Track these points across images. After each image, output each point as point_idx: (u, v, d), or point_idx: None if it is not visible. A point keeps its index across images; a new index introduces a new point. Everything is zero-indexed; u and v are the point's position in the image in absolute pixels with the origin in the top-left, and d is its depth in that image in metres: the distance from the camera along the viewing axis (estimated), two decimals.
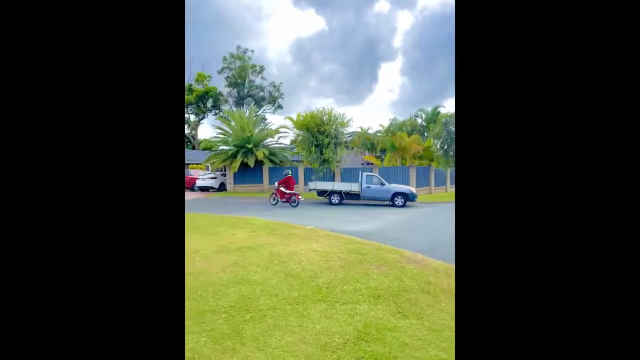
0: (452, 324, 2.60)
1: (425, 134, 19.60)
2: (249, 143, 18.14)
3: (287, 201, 10.67)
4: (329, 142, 15.34)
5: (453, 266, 4.11)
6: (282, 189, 10.55)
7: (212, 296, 3.01)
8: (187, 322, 2.49)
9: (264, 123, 22.33)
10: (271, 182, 18.90)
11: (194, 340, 2.24)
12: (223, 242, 5.29)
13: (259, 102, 35.04)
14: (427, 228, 7.87)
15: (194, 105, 33.01)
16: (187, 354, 2.05)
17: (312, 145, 15.49)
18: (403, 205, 11.85)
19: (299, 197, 10.48)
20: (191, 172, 20.21)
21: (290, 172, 11.67)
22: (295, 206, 10.50)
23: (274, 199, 11.16)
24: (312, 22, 64.86)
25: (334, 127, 15.51)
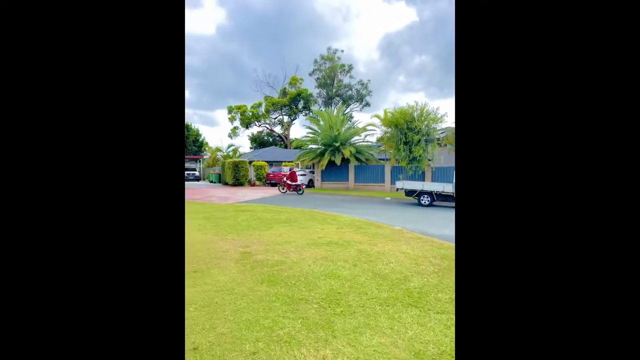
0: None
1: None
2: (336, 141, 18.57)
3: (294, 190, 12.86)
4: (419, 139, 14.49)
5: None
6: (288, 181, 13.15)
7: (305, 286, 3.18)
8: (283, 307, 2.69)
9: (351, 121, 22.51)
10: (356, 180, 18.97)
11: (290, 325, 2.40)
12: (313, 236, 5.55)
13: (346, 101, 35.56)
14: None
15: (287, 107, 35.58)
16: (284, 337, 2.21)
17: (400, 143, 14.88)
18: None
19: (303, 186, 12.72)
20: (283, 169, 21.84)
21: (294, 167, 13.17)
22: (301, 194, 12.94)
23: (283, 188, 13.29)
24: (402, 15, 62.20)
25: (425, 123, 14.57)
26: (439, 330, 2.37)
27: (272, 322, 2.44)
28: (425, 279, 3.46)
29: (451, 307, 2.77)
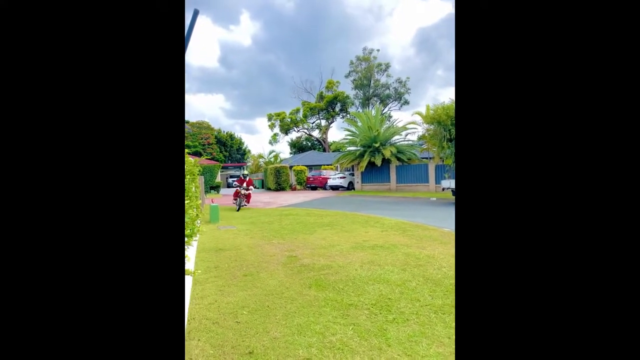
0: None
1: None
2: (375, 142, 18.27)
3: (241, 198, 10.95)
4: None
5: None
6: (242, 190, 10.99)
7: (353, 291, 3.12)
8: (333, 313, 2.65)
9: (390, 121, 22.00)
10: (399, 181, 18.43)
11: (342, 331, 2.35)
12: (357, 240, 5.47)
13: (384, 100, 34.88)
14: None
15: (324, 111, 35.88)
16: (336, 343, 2.17)
17: (444, 140, 14.18)
18: None
19: (250, 196, 11.27)
20: (323, 173, 21.99)
21: (245, 176, 11.86)
22: (241, 207, 10.87)
23: (235, 199, 10.98)
24: (437, 9, 59.67)
25: None
26: None
27: (323, 327, 2.42)
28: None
29: None
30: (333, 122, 37.17)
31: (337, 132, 75.61)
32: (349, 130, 21.53)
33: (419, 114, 15.83)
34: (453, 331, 2.31)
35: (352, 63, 36.36)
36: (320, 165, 25.77)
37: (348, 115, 32.06)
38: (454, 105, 13.89)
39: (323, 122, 37.40)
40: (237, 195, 10.77)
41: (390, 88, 35.43)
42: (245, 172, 11.20)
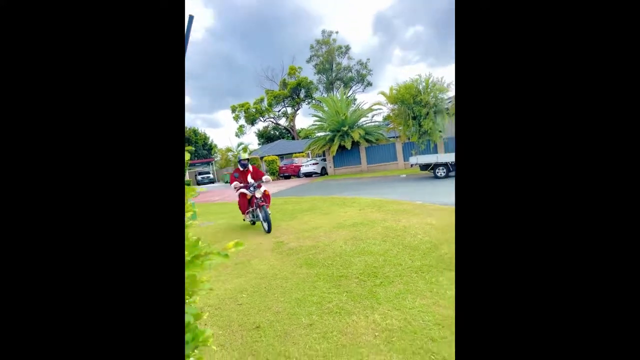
0: None
1: None
2: (344, 126, 18.55)
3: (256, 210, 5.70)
4: (428, 112, 14.34)
5: None
6: (246, 191, 5.74)
7: (341, 265, 3.38)
8: (327, 285, 2.89)
9: (355, 103, 22.36)
10: (369, 162, 18.99)
11: (337, 298, 2.60)
12: (338, 220, 5.74)
13: (347, 84, 35.13)
14: None
15: (288, 98, 35.49)
16: (333, 309, 2.42)
17: (409, 118, 14.78)
18: None
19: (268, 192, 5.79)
20: (295, 161, 22.03)
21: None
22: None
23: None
24: None
25: (431, 94, 14.38)
26: None
27: (320, 298, 2.66)
28: (454, 245, 3.60)
29: None
30: (299, 108, 36.97)
31: (304, 119, 75.29)
32: (316, 116, 21.61)
33: (383, 94, 16.26)
34: (432, 286, 2.65)
35: (312, 47, 36.04)
36: (292, 154, 25.74)
37: (313, 101, 32.05)
38: (414, 84, 14.43)
39: (289, 110, 37.08)
40: (247, 202, 5.72)
41: (353, 70, 35.71)
42: (244, 154, 6.14)
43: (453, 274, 2.84)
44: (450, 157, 11.67)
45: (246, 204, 5.76)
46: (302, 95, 35.35)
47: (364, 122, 19.87)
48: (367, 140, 18.51)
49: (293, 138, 36.73)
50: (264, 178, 5.76)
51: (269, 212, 5.42)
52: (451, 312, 2.22)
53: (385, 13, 53.88)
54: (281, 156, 25.28)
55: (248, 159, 5.96)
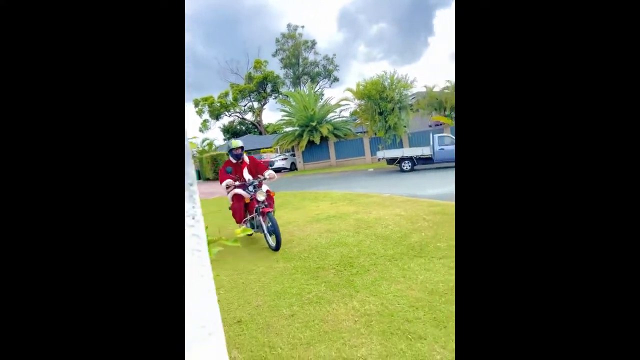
0: None
1: None
2: (312, 121, 18.60)
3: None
4: (393, 108, 14.84)
5: None
6: (242, 192, 4.46)
7: (318, 257, 3.46)
8: (305, 277, 2.95)
9: (322, 99, 22.48)
10: (338, 157, 19.26)
11: (316, 289, 2.68)
12: (311, 214, 5.81)
13: (314, 79, 35.15)
14: None
15: (255, 93, 34.75)
16: (313, 299, 2.49)
17: (375, 114, 15.20)
18: None
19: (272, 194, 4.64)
20: (263, 156, 21.73)
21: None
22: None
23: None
24: None
25: (396, 90, 14.89)
26: (444, 272, 2.73)
27: (299, 289, 2.71)
28: (423, 234, 3.83)
29: (450, 253, 3.14)
30: (266, 103, 36.34)
31: (272, 114, 74.19)
32: (284, 111, 21.43)
33: (350, 90, 16.53)
34: (405, 272, 2.81)
35: (278, 41, 35.48)
36: (260, 149, 25.34)
37: (281, 96, 31.67)
38: (380, 80, 14.83)
39: (255, 105, 36.31)
40: (245, 207, 4.27)
41: (319, 66, 35.77)
42: (236, 142, 4.39)
43: (423, 260, 3.04)
44: (415, 152, 12.22)
45: (243, 210, 4.17)
46: (268, 89, 34.77)
47: (332, 118, 20.07)
48: (336, 136, 18.75)
49: (260, 133, 36.10)
50: (266, 174, 4.24)
51: (264, 217, 3.90)
52: (423, 294, 2.38)
53: (349, 8, 54.39)
54: (248, 151, 24.77)
55: (242, 148, 4.39)
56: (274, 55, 35.90)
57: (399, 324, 2.05)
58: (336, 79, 36.29)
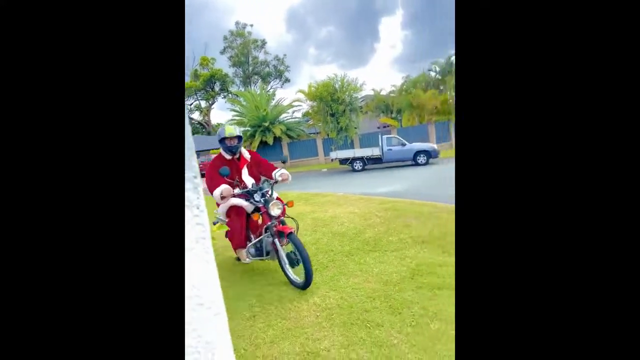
0: None
1: (442, 87, 18.91)
2: (265, 121, 18.33)
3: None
4: (344, 110, 15.32)
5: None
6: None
7: None
8: (265, 278, 2.94)
9: (274, 99, 22.27)
10: (291, 157, 19.26)
11: (277, 289, 2.69)
12: None
13: (265, 79, 34.64)
14: (452, 180, 8.05)
15: (202, 91, 33.12)
16: (274, 298, 2.50)
17: (327, 115, 15.53)
18: (426, 163, 11.96)
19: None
20: (212, 158, 20.80)
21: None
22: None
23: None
24: None
25: (347, 93, 15.40)
26: (397, 263, 2.94)
27: (260, 290, 2.70)
28: (376, 229, 4.05)
29: (400, 245, 3.38)
30: (214, 102, 34.83)
31: (221, 113, 71.26)
32: (235, 111, 20.79)
33: (302, 91, 16.66)
34: (361, 266, 2.96)
35: (226, 38, 34.25)
36: (209, 150, 24.21)
37: (230, 95, 30.63)
38: (332, 82, 15.20)
39: (203, 103, 34.61)
40: (246, 225, 2.89)
41: (270, 66, 35.34)
42: (230, 129, 2.76)
43: (377, 254, 3.22)
44: (366, 152, 12.77)
45: (244, 230, 2.86)
46: (217, 88, 33.40)
47: (285, 118, 19.98)
48: (289, 136, 18.72)
49: (209, 133, 34.50)
50: (277, 174, 2.91)
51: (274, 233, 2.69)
52: (378, 285, 2.54)
53: (297, 9, 54.68)
54: (197, 153, 23.52)
55: (240, 138, 2.91)
56: (222, 53, 34.58)
57: (358, 314, 2.17)
58: (287, 80, 36.19)
